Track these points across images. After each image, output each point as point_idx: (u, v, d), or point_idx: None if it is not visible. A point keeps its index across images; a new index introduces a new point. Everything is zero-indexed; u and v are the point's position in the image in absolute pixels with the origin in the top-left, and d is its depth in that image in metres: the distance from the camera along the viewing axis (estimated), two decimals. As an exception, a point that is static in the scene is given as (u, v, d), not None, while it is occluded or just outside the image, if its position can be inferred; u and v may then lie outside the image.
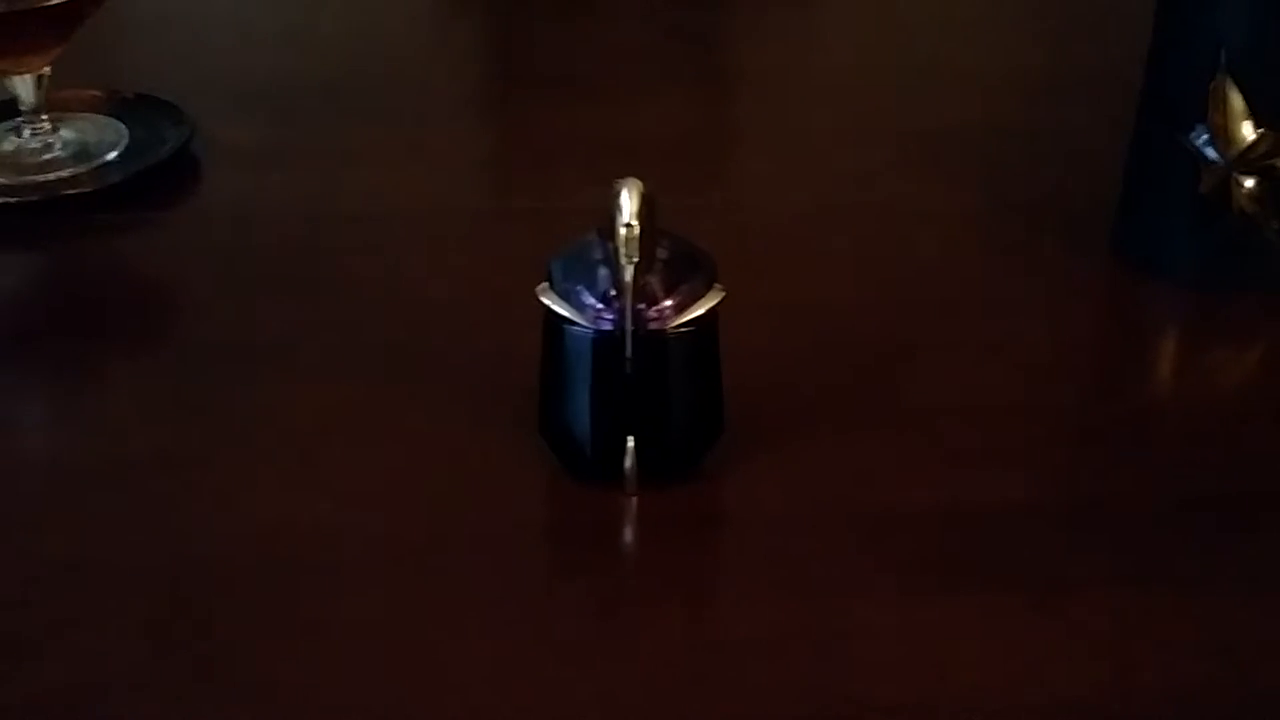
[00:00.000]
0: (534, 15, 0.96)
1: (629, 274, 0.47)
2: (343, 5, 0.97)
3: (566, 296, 0.49)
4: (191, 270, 0.67)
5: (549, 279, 0.50)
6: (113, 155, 0.73)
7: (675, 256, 0.50)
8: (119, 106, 0.77)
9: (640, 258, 0.47)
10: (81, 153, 0.74)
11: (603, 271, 0.49)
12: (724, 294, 0.50)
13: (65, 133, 0.75)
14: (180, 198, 0.73)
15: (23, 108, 0.73)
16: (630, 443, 0.50)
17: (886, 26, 0.93)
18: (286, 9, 0.96)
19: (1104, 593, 0.48)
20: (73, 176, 0.72)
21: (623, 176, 0.47)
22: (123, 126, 0.76)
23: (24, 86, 0.73)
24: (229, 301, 0.64)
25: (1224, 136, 0.60)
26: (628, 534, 0.51)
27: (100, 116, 0.77)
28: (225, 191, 0.73)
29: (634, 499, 0.51)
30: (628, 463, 0.50)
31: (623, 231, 0.47)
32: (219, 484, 0.53)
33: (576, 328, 0.49)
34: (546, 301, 0.50)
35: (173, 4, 0.97)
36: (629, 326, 0.48)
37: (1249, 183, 0.61)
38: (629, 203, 0.47)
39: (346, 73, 0.85)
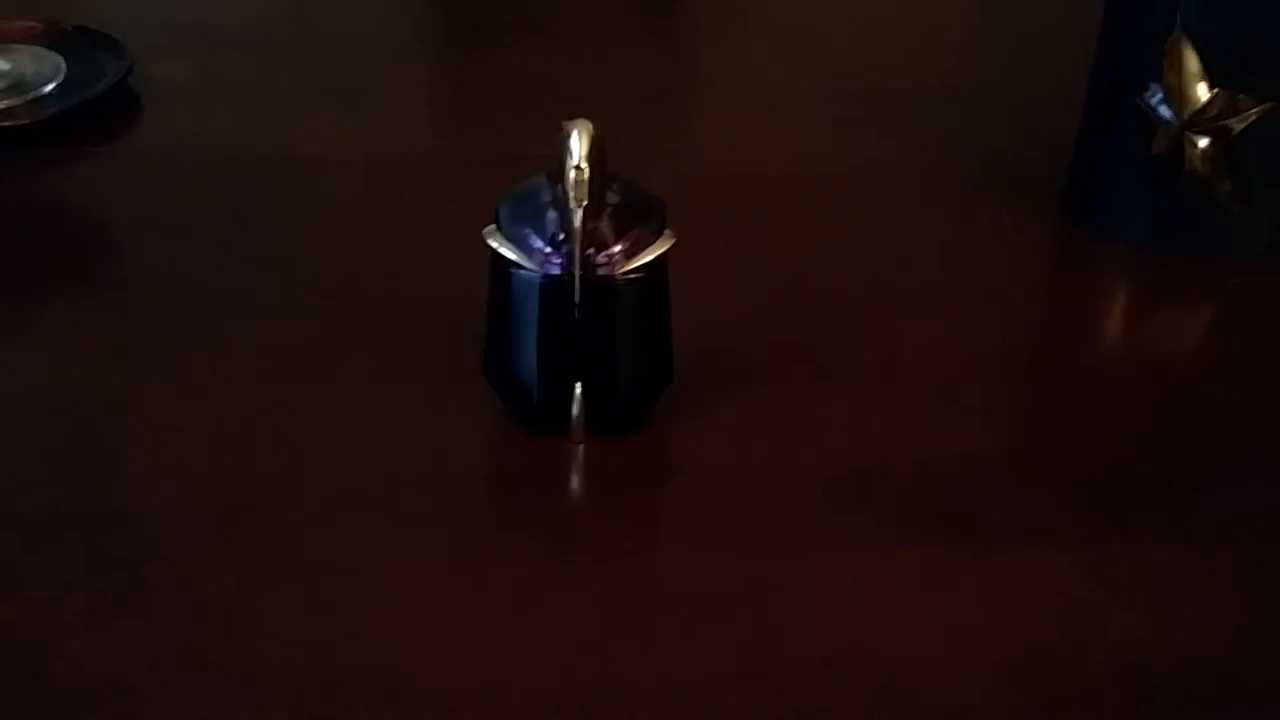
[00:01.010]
0: None
1: (578, 218, 0.46)
2: None
3: (514, 240, 0.48)
4: (128, 207, 0.66)
5: (496, 221, 0.49)
6: (50, 88, 0.72)
7: (625, 201, 0.49)
8: (57, 39, 0.76)
9: (590, 201, 0.46)
10: (17, 85, 0.72)
11: (551, 215, 0.48)
12: (675, 240, 0.49)
13: (1, 63, 0.73)
14: (118, 133, 0.71)
15: (-43, 38, 0.71)
16: (578, 390, 0.49)
17: None
18: None
19: (1052, 548, 0.48)
20: (8, 109, 0.70)
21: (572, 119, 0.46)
22: (60, 59, 0.74)
23: (-41, 17, 0.71)
24: (165, 239, 0.63)
25: (1178, 96, 0.60)
26: (573, 483, 0.51)
27: (38, 48, 0.75)
28: (164, 128, 0.72)
29: (580, 448, 0.50)
30: (574, 410, 0.50)
31: (572, 174, 0.46)
32: (154, 426, 0.52)
33: (524, 272, 0.48)
34: (493, 244, 0.49)
35: None
36: (578, 271, 0.47)
37: (1202, 143, 0.60)
38: (579, 145, 0.46)
39: (294, 12, 0.83)
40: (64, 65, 0.73)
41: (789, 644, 0.44)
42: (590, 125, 0.46)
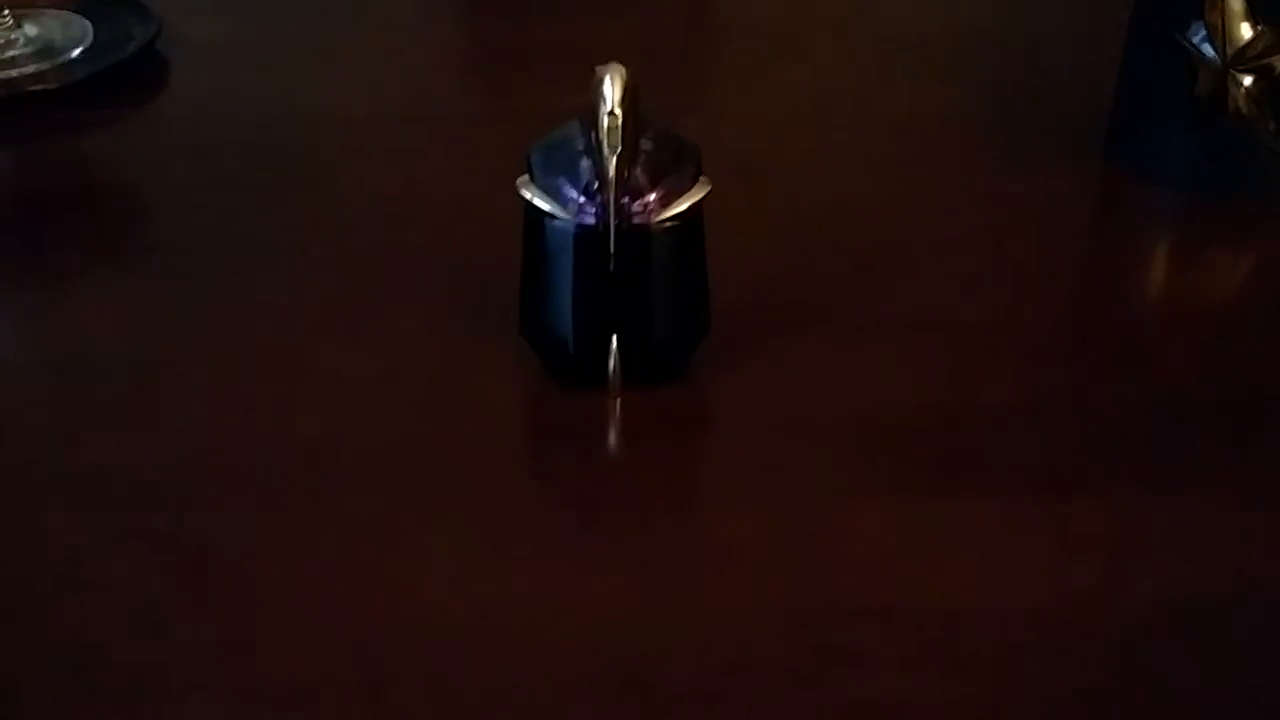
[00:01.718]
0: None
1: (612, 166, 0.45)
2: None
3: (547, 190, 0.48)
4: (157, 170, 0.65)
5: (528, 170, 0.48)
6: (77, 52, 0.71)
7: (660, 148, 0.48)
8: (85, 3, 0.75)
9: (624, 148, 0.45)
10: (45, 49, 0.71)
11: (585, 163, 0.47)
12: (710, 188, 0.48)
13: (29, 28, 0.72)
14: (146, 96, 0.71)
15: (-16, 3, 0.71)
16: (614, 343, 0.49)
17: None
18: None
19: (1097, 497, 0.47)
20: (36, 73, 0.70)
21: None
22: (88, 23, 0.73)
23: (-15, -19, 0.70)
24: (195, 202, 0.62)
25: (1221, 34, 0.59)
26: (611, 437, 0.50)
27: (65, 12, 0.74)
28: (193, 90, 0.71)
29: (617, 401, 0.50)
30: (611, 363, 0.49)
31: (605, 120, 0.45)
32: (189, 387, 0.51)
33: (558, 222, 0.48)
34: (526, 194, 0.48)
35: None
36: (613, 221, 0.46)
37: (1247, 81, 0.59)
38: (612, 90, 0.45)
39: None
40: (91, 29, 0.73)
41: (829, 595, 0.43)
42: (623, 70, 0.45)
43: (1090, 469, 0.48)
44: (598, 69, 0.45)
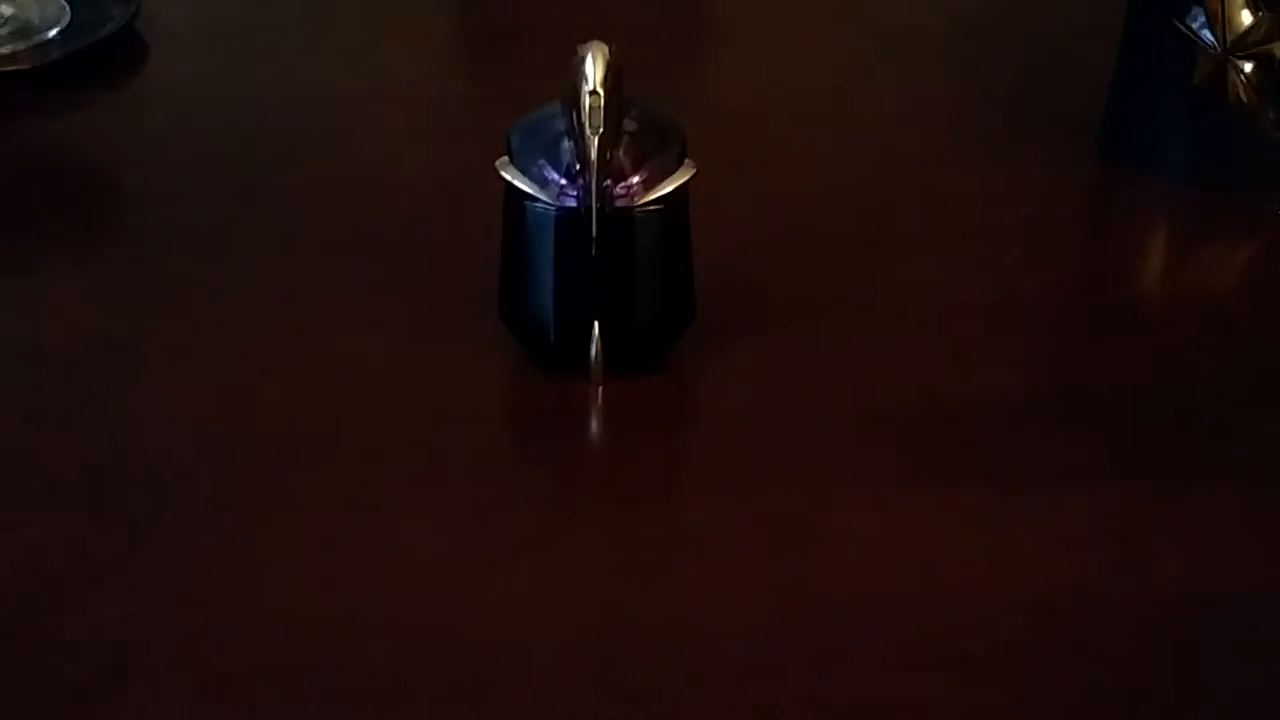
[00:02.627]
0: None
1: (594, 147, 0.44)
2: None
3: (527, 171, 0.46)
4: (133, 152, 0.64)
5: (508, 151, 0.47)
6: (54, 32, 0.70)
7: (643, 129, 0.47)
8: (63, -17, 0.74)
9: (606, 129, 0.44)
10: (23, 29, 0.70)
11: (566, 144, 0.46)
12: (696, 170, 0.47)
13: (5, 8, 0.71)
14: (124, 78, 0.69)
15: (-40, -18, 0.70)
16: (596, 329, 0.47)
17: None
18: None
19: (1087, 489, 0.46)
20: (11, 53, 0.68)
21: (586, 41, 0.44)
22: (65, 3, 0.72)
23: (-38, -41, 0.69)
24: (169, 186, 0.61)
25: (1220, 20, 0.58)
26: (593, 425, 0.49)
27: (42, -8, 0.73)
28: (171, 72, 0.70)
29: (599, 388, 0.49)
30: (593, 349, 0.48)
31: (587, 100, 0.44)
32: (160, 371, 0.50)
33: (539, 204, 0.46)
34: (507, 176, 0.47)
35: None
36: (594, 204, 0.45)
37: (1247, 68, 0.58)
38: (594, 69, 0.44)
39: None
40: (69, 10, 0.72)
41: (815, 589, 0.42)
42: (605, 48, 0.44)
43: (1085, 462, 0.47)
44: (579, 47, 0.44)
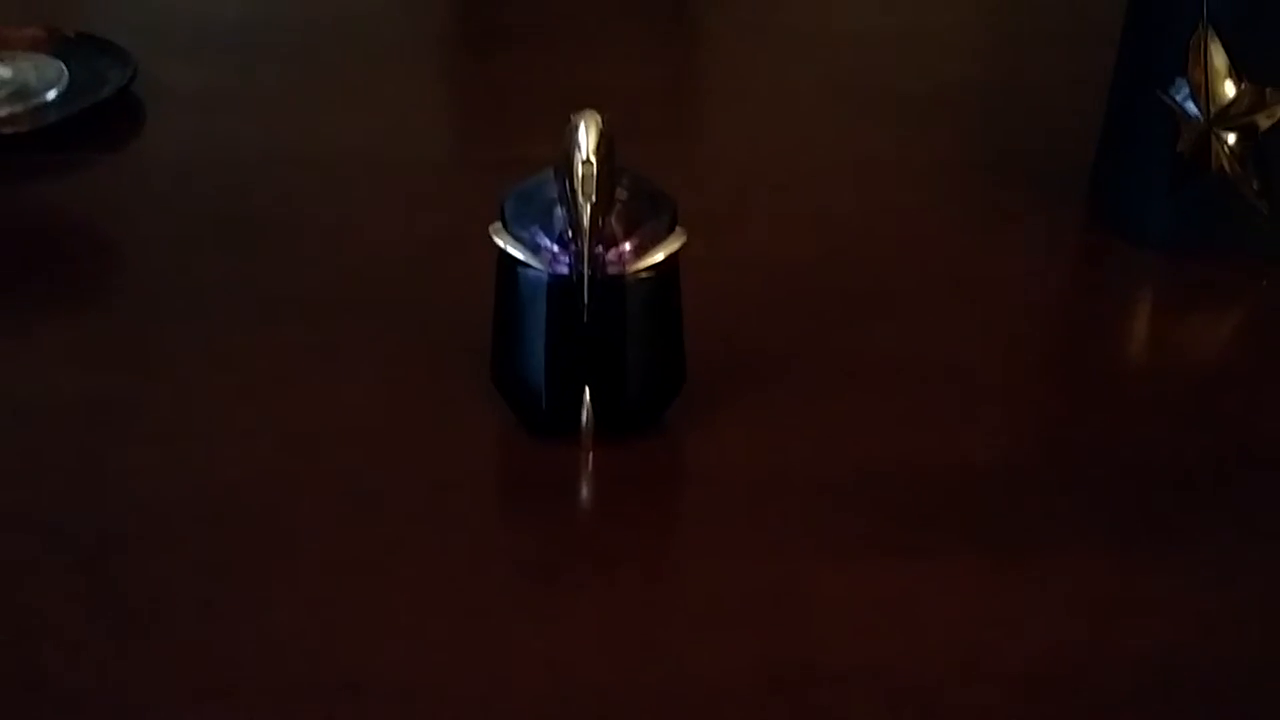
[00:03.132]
0: None
1: (586, 215, 0.45)
2: None
3: (520, 238, 0.47)
4: (132, 214, 0.64)
5: (501, 217, 0.48)
6: (52, 95, 0.71)
7: (635, 197, 0.47)
8: (61, 45, 0.75)
9: (598, 197, 0.45)
10: (20, 92, 0.71)
11: (558, 211, 0.46)
12: (685, 238, 0.47)
13: (3, 70, 0.72)
14: (121, 140, 0.70)
15: (-41, 45, 0.71)
16: (586, 394, 0.48)
17: None
18: None
19: (1073, 556, 0.46)
20: (10, 116, 0.69)
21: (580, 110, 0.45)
22: (63, 66, 0.73)
23: (-39, 23, 0.70)
24: (169, 246, 0.61)
25: (1204, 92, 0.59)
26: (584, 490, 0.49)
27: (40, 55, 0.74)
28: (168, 135, 0.70)
29: (590, 454, 0.49)
30: (584, 415, 0.48)
31: (580, 169, 0.44)
32: (158, 431, 0.50)
33: (531, 271, 0.47)
34: (499, 242, 0.47)
35: None
36: (586, 271, 0.46)
37: (1229, 140, 0.59)
38: (587, 138, 0.44)
39: (301, 17, 0.83)
40: (67, 72, 0.72)
41: (805, 655, 0.42)
42: (598, 117, 0.44)
43: (1069, 528, 0.47)
44: (573, 116, 0.45)
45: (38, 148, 0.67)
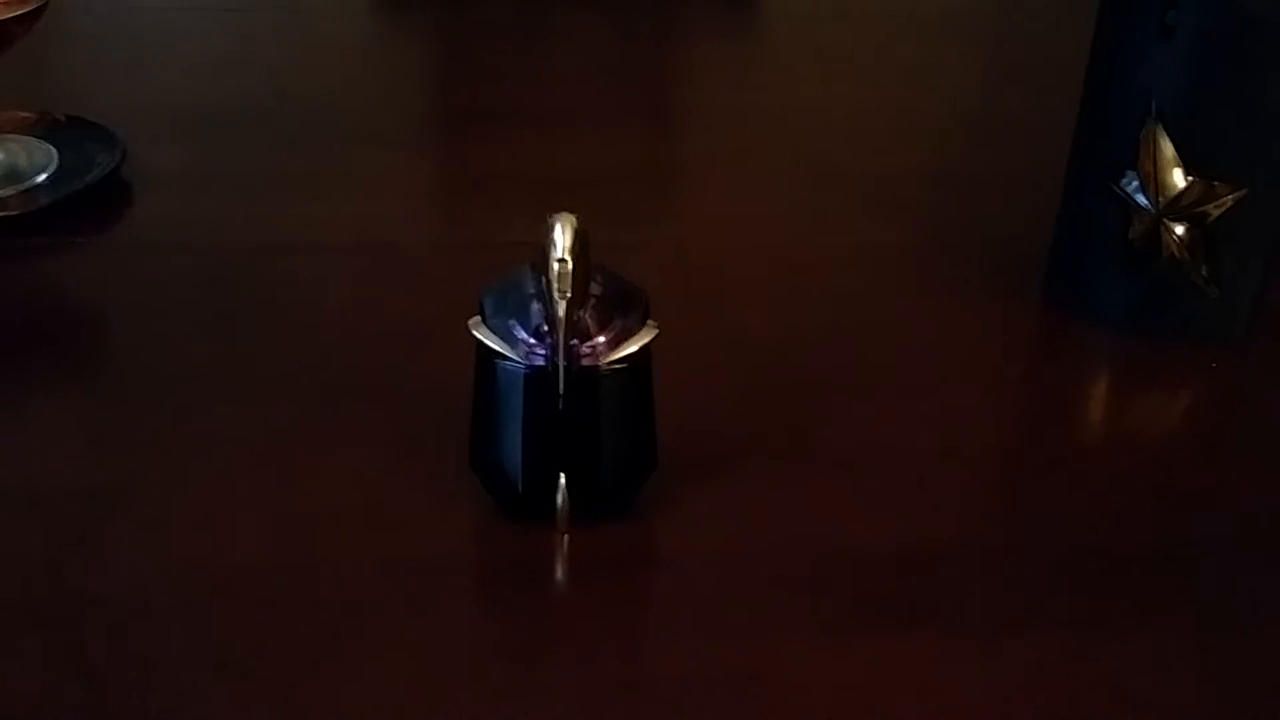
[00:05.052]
0: (476, 46, 0.95)
1: (562, 309, 0.47)
2: (284, 33, 0.96)
3: (499, 331, 0.49)
4: (119, 297, 0.66)
5: (481, 312, 0.50)
6: (42, 178, 0.72)
7: (609, 292, 0.49)
8: (50, 129, 0.76)
9: (573, 293, 0.47)
10: (10, 175, 0.72)
11: (535, 306, 0.48)
12: (657, 331, 0.49)
13: (-6, 154, 0.73)
14: (110, 223, 0.71)
15: (-49, 129, 0.72)
16: (562, 480, 0.50)
17: (827, 69, 0.94)
18: (228, 35, 0.95)
19: (1036, 637, 0.48)
20: (1, 199, 0.70)
21: (557, 211, 0.47)
22: (53, 149, 0.74)
23: (-47, 107, 0.71)
24: (156, 330, 0.63)
25: (1154, 183, 0.61)
26: (558, 573, 0.51)
27: (30, 138, 0.76)
28: (156, 217, 0.72)
29: (565, 537, 0.51)
30: (559, 500, 0.50)
31: (556, 266, 0.46)
32: (139, 517, 0.52)
33: (508, 363, 0.49)
34: (478, 335, 0.49)
35: (111, 28, 0.96)
36: (561, 362, 0.48)
37: (1179, 229, 0.61)
38: (562, 237, 0.46)
39: (285, 101, 0.84)
40: (56, 155, 0.74)
41: (773, 735, 0.44)
42: (573, 218, 0.47)
43: (1029, 609, 0.49)
44: (549, 216, 0.47)
45: (29, 231, 0.69)
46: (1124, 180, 0.62)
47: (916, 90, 0.90)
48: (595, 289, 0.49)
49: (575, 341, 0.48)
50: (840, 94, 0.89)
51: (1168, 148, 0.60)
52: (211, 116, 0.81)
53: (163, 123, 0.80)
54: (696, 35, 1.02)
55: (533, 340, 0.48)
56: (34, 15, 0.69)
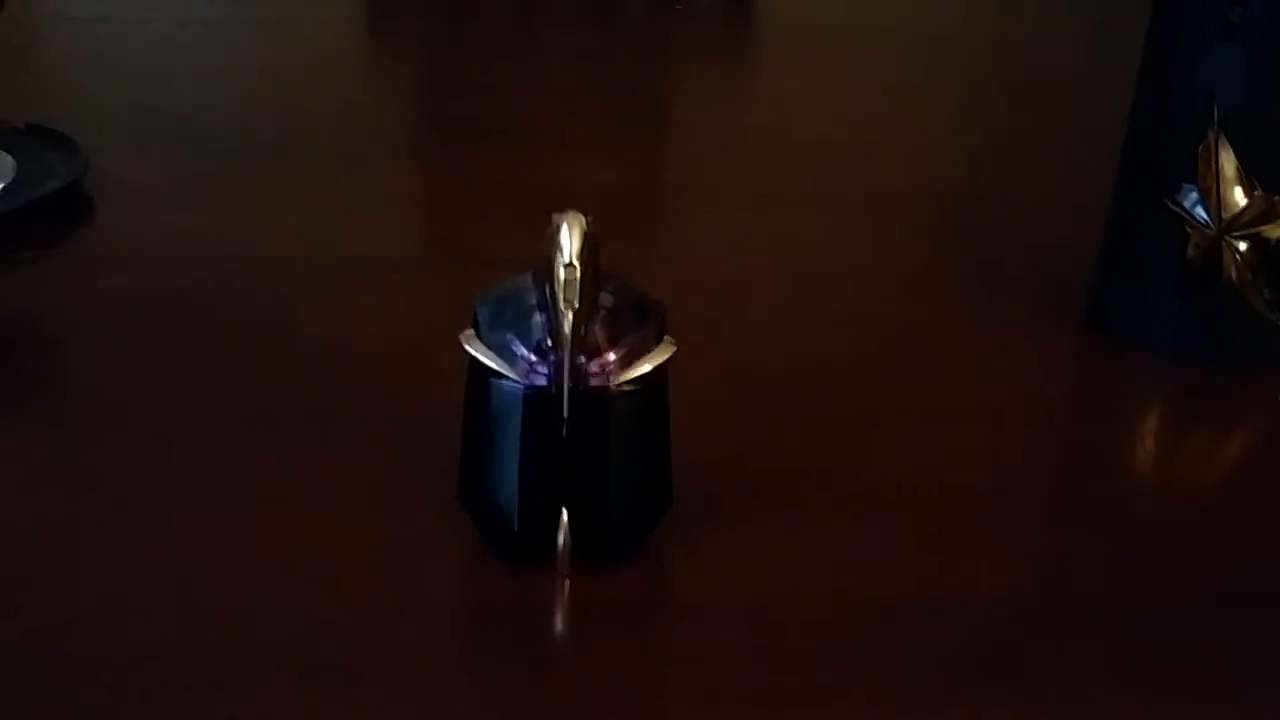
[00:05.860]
0: (465, 59, 0.93)
1: (568, 322, 0.42)
2: (268, 43, 0.93)
3: (495, 346, 0.44)
4: (75, 316, 0.61)
5: (474, 325, 0.44)
6: (-2, 188, 0.68)
7: (621, 304, 0.44)
8: (8, 137, 0.72)
9: (581, 304, 0.41)
10: (-38, 184, 0.68)
11: (537, 318, 0.43)
12: (675, 348, 0.44)
13: (-52, 164, 0.69)
14: (68, 236, 0.68)
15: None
16: (564, 516, 0.44)
17: (823, 86, 0.91)
18: (206, 45, 0.93)
19: (1093, 695, 0.42)
20: (-46, 209, 0.66)
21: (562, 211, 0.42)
22: (10, 158, 0.70)
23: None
24: (114, 353, 0.58)
25: (1214, 198, 0.56)
26: (558, 623, 0.45)
27: (-13, 147, 0.71)
28: (117, 231, 0.68)
29: (566, 581, 0.45)
30: (561, 539, 0.45)
31: (562, 273, 0.41)
32: (99, 553, 0.46)
33: (506, 382, 0.44)
34: (471, 350, 0.44)
35: (84, 37, 0.93)
36: (566, 382, 0.42)
37: (1241, 247, 0.56)
38: (570, 240, 0.41)
39: (263, 113, 0.81)
40: (14, 165, 0.70)
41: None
42: (582, 218, 0.41)
43: (1081, 668, 0.43)
44: (555, 216, 0.42)
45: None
46: (1180, 195, 0.57)
47: (949, 110, 0.88)
48: (606, 300, 0.43)
49: (582, 359, 0.43)
50: (869, 114, 0.87)
51: (1229, 160, 0.56)
52: (185, 128, 0.79)
53: (132, 134, 0.77)
54: (690, 50, 1.00)
55: (534, 357, 0.43)
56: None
